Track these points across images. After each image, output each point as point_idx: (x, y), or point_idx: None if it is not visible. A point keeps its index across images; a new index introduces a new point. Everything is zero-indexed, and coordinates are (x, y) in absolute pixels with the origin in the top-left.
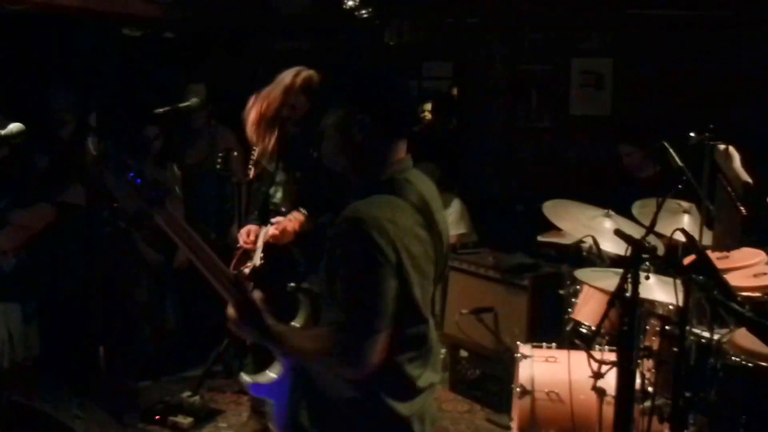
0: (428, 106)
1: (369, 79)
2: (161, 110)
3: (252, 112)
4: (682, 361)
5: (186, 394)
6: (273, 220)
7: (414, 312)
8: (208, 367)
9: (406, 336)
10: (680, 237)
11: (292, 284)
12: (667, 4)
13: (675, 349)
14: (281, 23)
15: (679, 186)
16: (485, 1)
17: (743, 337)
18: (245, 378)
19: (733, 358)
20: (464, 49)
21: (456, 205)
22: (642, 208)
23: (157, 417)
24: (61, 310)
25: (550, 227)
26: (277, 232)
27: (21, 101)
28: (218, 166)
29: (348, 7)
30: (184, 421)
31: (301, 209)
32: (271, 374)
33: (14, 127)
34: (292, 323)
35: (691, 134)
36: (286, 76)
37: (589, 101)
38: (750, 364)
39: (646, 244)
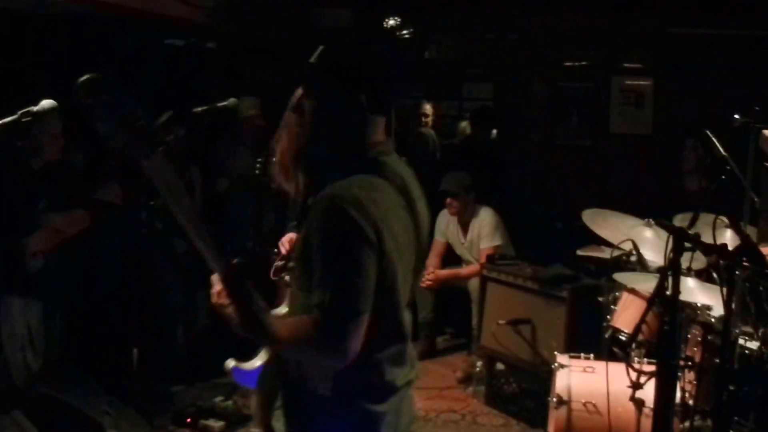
0: (465, 125)
1: (359, 58)
2: (199, 109)
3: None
4: (727, 351)
5: (219, 398)
6: None
7: (393, 302)
8: None
9: (385, 329)
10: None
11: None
12: (707, 23)
13: (717, 360)
14: (321, 36)
15: (722, 177)
16: (526, 18)
17: None
18: (230, 363)
19: None
20: (504, 66)
21: (490, 217)
22: (683, 221)
23: (188, 420)
24: (95, 310)
25: (590, 243)
26: None
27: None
28: (257, 172)
29: (389, 26)
30: (215, 424)
31: None
32: (257, 362)
33: (46, 103)
34: (276, 311)
35: (736, 116)
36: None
37: (629, 119)
38: None
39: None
